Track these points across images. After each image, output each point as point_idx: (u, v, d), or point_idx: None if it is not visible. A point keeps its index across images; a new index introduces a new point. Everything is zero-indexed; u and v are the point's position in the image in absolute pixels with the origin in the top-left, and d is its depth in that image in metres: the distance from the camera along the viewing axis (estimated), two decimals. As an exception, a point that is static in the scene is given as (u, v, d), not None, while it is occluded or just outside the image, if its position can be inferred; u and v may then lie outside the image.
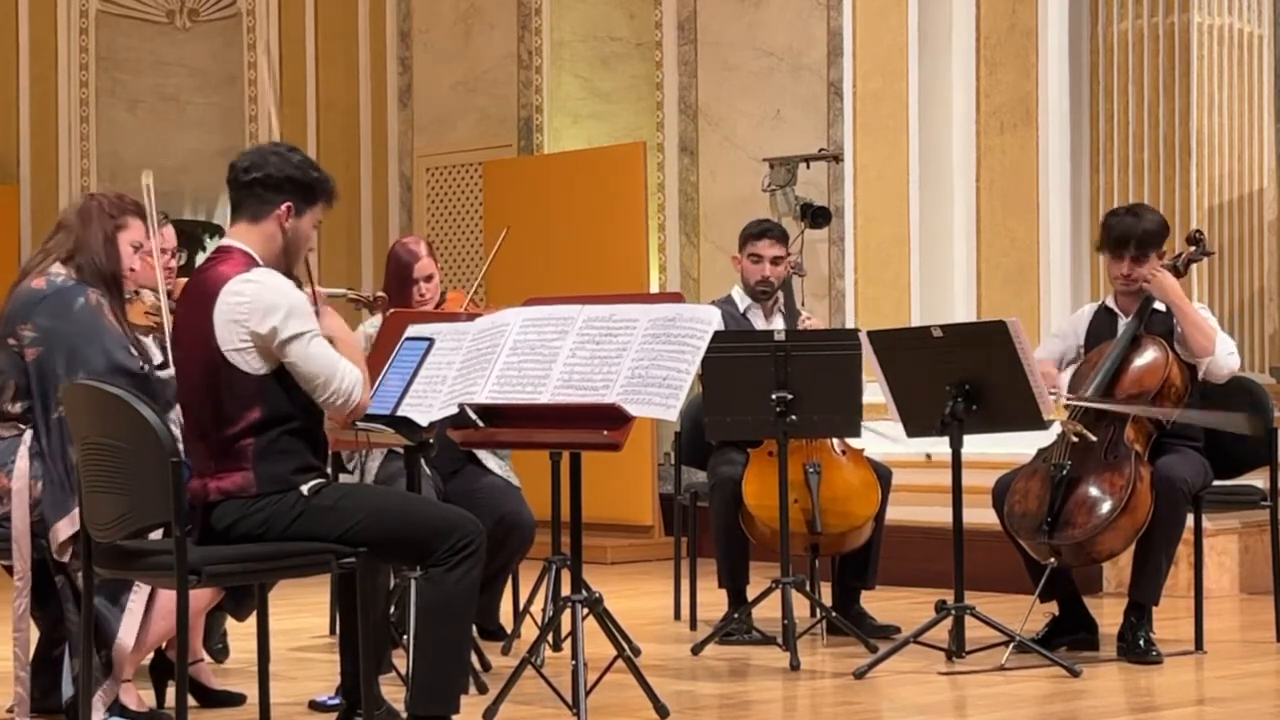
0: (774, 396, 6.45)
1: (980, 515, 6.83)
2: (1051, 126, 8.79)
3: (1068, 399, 6.48)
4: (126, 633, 5.17)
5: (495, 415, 5.25)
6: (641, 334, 5.19)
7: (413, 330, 5.55)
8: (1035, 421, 6.28)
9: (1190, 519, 6.55)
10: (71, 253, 5.30)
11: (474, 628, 5.61)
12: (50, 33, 11.81)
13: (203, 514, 4.66)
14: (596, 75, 11.51)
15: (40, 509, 5.13)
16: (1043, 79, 8.80)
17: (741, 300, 7.36)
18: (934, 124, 9.09)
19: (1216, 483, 6.61)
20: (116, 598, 5.16)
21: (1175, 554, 6.55)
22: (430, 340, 5.44)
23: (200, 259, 6.93)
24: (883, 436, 7.63)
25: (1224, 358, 6.48)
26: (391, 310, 6.54)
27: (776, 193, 10.08)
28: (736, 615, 6.86)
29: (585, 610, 5.32)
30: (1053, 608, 6.63)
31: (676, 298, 5.80)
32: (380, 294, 6.91)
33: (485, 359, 5.32)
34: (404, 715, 4.83)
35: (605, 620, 5.46)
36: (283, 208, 4.79)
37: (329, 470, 4.88)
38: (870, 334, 6.53)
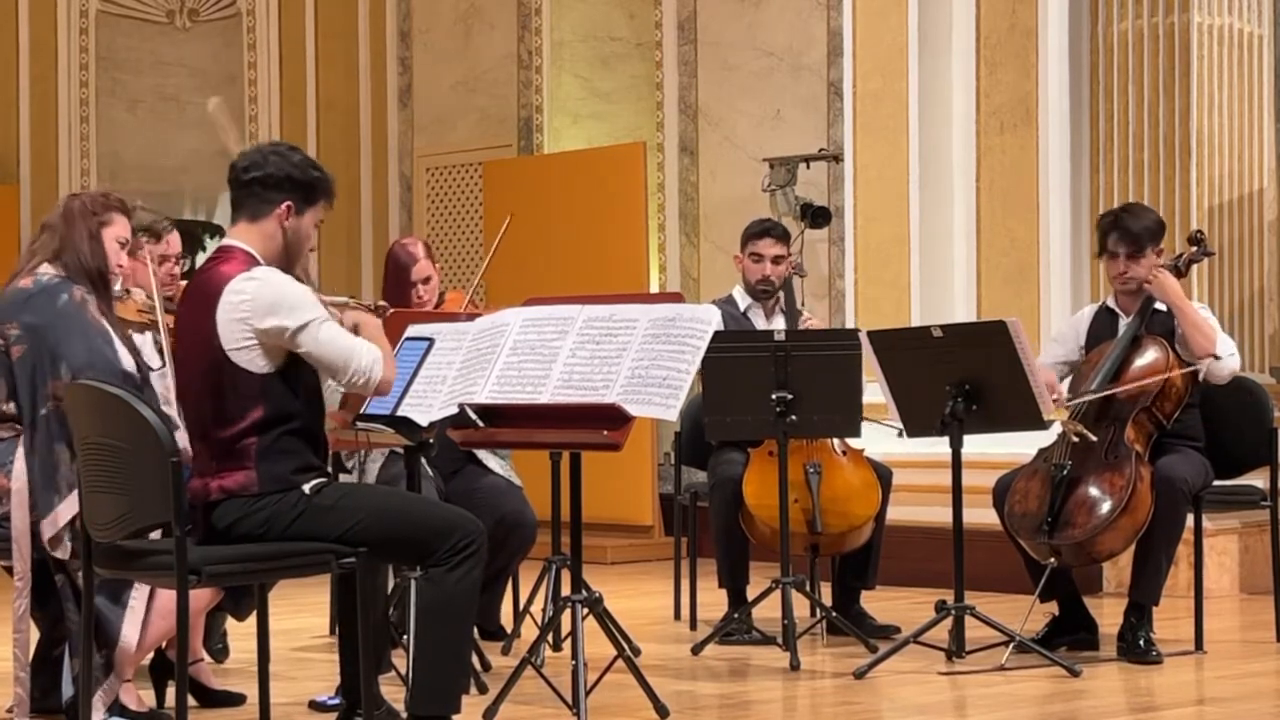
0: (774, 396, 6.45)
1: (980, 515, 6.83)
2: (1051, 126, 8.79)
3: (1069, 400, 6.49)
4: (130, 630, 5.16)
5: (495, 415, 5.25)
6: (641, 334, 5.19)
7: (412, 330, 5.55)
8: (1035, 421, 6.28)
9: (1190, 519, 6.55)
10: (58, 252, 5.30)
11: (474, 628, 5.60)
12: (50, 33, 11.81)
13: (204, 513, 4.66)
14: (596, 75, 11.50)
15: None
16: (1043, 79, 8.79)
17: (742, 300, 7.35)
18: (934, 124, 9.09)
19: (1216, 483, 6.61)
20: (118, 596, 5.15)
21: (1175, 554, 6.55)
22: (430, 340, 5.44)
23: (200, 259, 6.92)
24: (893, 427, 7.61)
25: (1225, 358, 6.48)
26: (391, 311, 6.53)
27: (776, 193, 10.07)
28: (736, 615, 6.85)
29: (585, 610, 5.32)
30: (1053, 608, 6.63)
31: (676, 298, 5.80)
32: (381, 303, 6.90)
33: (485, 359, 5.31)
34: (404, 715, 4.83)
35: (605, 620, 5.46)
36: (282, 207, 4.79)
37: (329, 470, 4.88)
38: (870, 334, 6.53)
